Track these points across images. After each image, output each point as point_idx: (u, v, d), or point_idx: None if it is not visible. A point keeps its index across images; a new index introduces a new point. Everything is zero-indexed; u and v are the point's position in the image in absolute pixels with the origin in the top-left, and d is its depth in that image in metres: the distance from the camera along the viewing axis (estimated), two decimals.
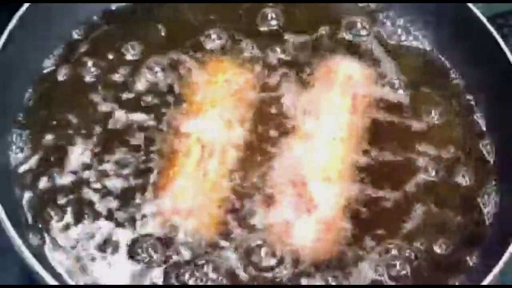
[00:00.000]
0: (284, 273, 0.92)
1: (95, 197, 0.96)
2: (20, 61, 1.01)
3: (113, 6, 1.15)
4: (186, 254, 0.92)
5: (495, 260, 0.89)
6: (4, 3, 1.08)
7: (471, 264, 0.97)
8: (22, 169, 0.98)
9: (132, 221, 0.95)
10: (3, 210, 0.87)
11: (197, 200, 0.95)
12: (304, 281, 0.92)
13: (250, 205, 0.96)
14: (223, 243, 0.94)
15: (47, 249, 0.92)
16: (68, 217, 0.94)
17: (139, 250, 0.92)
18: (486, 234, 0.99)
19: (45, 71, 1.07)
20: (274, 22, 1.15)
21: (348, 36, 1.15)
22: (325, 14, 1.17)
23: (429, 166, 1.03)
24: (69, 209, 0.95)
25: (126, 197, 0.96)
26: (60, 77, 1.06)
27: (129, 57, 1.09)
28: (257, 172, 0.99)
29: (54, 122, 1.02)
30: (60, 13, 1.08)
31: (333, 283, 0.92)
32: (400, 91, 1.10)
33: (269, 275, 0.92)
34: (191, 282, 0.91)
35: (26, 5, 1.02)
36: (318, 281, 0.92)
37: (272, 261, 0.93)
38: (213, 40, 1.12)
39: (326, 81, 1.08)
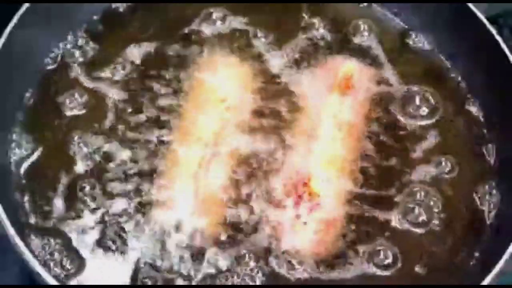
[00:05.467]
0: (285, 271, 0.93)
1: (95, 195, 0.96)
2: (20, 60, 1.01)
3: (113, 6, 1.15)
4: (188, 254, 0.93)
5: (495, 260, 0.89)
6: (4, 3, 1.08)
7: (471, 264, 0.97)
8: (22, 168, 0.98)
9: (134, 214, 0.96)
10: (3, 210, 0.87)
11: (199, 199, 0.96)
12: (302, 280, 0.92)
13: (252, 204, 0.97)
14: (226, 241, 0.94)
15: (47, 249, 0.92)
16: (69, 216, 0.95)
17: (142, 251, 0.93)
18: (486, 234, 0.99)
19: (45, 71, 1.07)
20: None
21: (348, 37, 1.15)
22: (326, 14, 1.17)
23: (428, 166, 1.03)
24: (69, 208, 0.95)
25: (127, 194, 0.97)
26: (60, 77, 1.06)
27: (129, 55, 1.09)
28: (259, 172, 1.00)
29: (55, 122, 1.02)
30: (60, 13, 1.08)
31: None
32: (400, 91, 1.10)
33: (270, 273, 0.93)
34: (193, 282, 0.91)
35: (26, 5, 1.02)
36: (316, 280, 0.93)
37: (274, 260, 0.93)
38: (215, 35, 1.13)
39: (326, 81, 1.08)
